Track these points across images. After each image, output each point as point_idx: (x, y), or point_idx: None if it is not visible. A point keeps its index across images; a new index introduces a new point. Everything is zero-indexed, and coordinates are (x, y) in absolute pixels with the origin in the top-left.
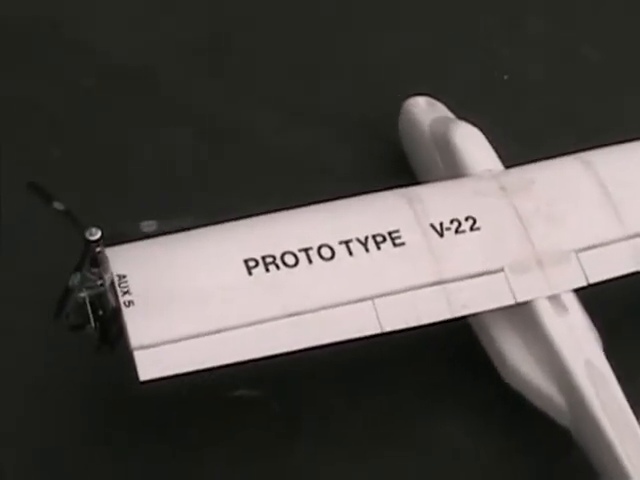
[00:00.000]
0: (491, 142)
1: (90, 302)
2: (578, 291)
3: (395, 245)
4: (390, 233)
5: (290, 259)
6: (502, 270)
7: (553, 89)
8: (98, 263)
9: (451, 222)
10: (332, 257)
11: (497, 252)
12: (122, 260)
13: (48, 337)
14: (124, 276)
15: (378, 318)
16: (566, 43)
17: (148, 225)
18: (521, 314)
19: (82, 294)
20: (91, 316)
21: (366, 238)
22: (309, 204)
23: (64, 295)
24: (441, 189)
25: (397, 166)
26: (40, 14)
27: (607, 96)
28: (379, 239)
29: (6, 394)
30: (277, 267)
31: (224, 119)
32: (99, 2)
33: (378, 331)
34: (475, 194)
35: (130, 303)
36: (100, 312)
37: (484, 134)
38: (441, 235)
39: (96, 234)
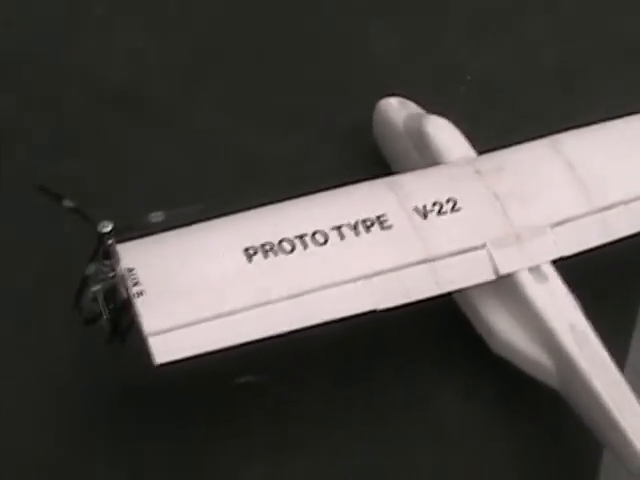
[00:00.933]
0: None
1: (103, 296)
2: (555, 264)
3: (383, 228)
4: (378, 217)
5: (287, 246)
6: (484, 246)
7: (517, 87)
8: (110, 255)
9: (433, 204)
10: (325, 242)
11: (478, 230)
12: (130, 255)
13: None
14: (132, 269)
15: (371, 296)
16: (526, 44)
17: (156, 216)
18: (505, 286)
19: (95, 288)
20: (104, 309)
21: (356, 223)
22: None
23: (82, 284)
24: (420, 175)
25: (375, 164)
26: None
27: (570, 92)
28: (368, 223)
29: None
30: (275, 254)
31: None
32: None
33: (372, 308)
34: (453, 178)
35: (140, 294)
36: (112, 305)
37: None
38: (425, 217)
39: (108, 226)
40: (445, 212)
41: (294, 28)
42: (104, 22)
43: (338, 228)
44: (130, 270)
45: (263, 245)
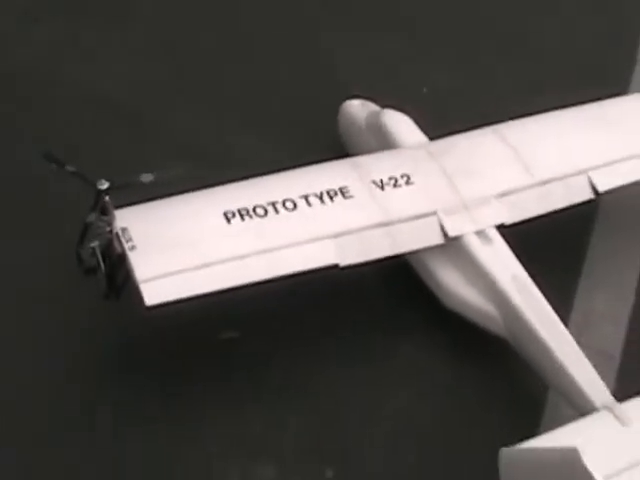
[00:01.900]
0: None
1: (100, 251)
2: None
3: (345, 197)
4: (341, 189)
5: (260, 210)
6: (435, 213)
7: (468, 96)
8: (107, 211)
9: (389, 179)
10: (295, 208)
11: (430, 200)
12: (124, 217)
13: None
14: (126, 228)
15: (335, 253)
16: (472, 56)
17: (147, 176)
18: (454, 248)
19: (93, 244)
20: (101, 262)
21: (321, 193)
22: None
23: (83, 229)
24: (379, 156)
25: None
26: None
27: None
28: (332, 193)
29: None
30: (250, 217)
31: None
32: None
33: (337, 262)
34: (407, 158)
35: (133, 248)
36: (108, 260)
37: None
38: (382, 189)
39: (105, 184)
40: (400, 185)
41: (265, 40)
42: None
43: (305, 197)
44: (123, 229)
45: (240, 210)
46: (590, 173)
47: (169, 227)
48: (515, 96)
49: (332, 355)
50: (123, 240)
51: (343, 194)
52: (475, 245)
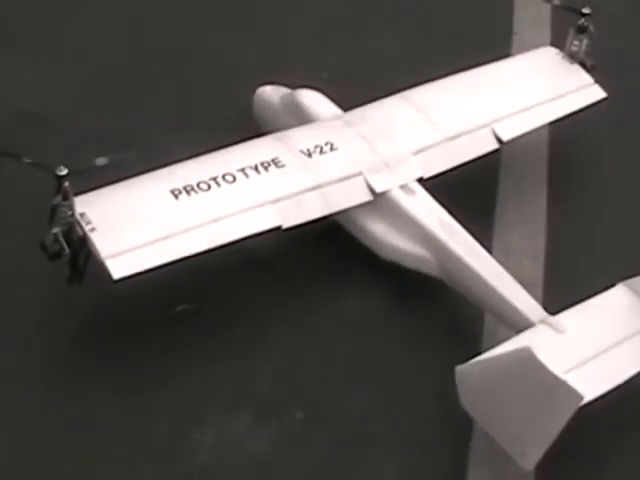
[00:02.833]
0: None
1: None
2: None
3: (278, 167)
4: (272, 160)
5: (203, 186)
6: (361, 174)
7: (364, 75)
8: (68, 196)
9: (315, 147)
10: (234, 180)
11: (354, 162)
12: (81, 203)
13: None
14: (84, 213)
15: (277, 217)
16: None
17: (100, 160)
18: (382, 203)
19: (55, 230)
20: (65, 246)
21: (256, 165)
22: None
23: (51, 212)
24: (302, 129)
25: None
26: None
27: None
28: (265, 164)
29: None
30: (195, 192)
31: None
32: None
33: (280, 224)
34: (327, 129)
35: (93, 230)
36: (70, 245)
37: None
38: (310, 156)
39: (64, 170)
40: (325, 152)
41: (177, 44)
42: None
43: (242, 170)
44: (82, 214)
45: (185, 187)
46: (493, 125)
47: (123, 208)
48: (406, 68)
49: (285, 311)
50: (83, 223)
51: (276, 164)
52: (401, 197)
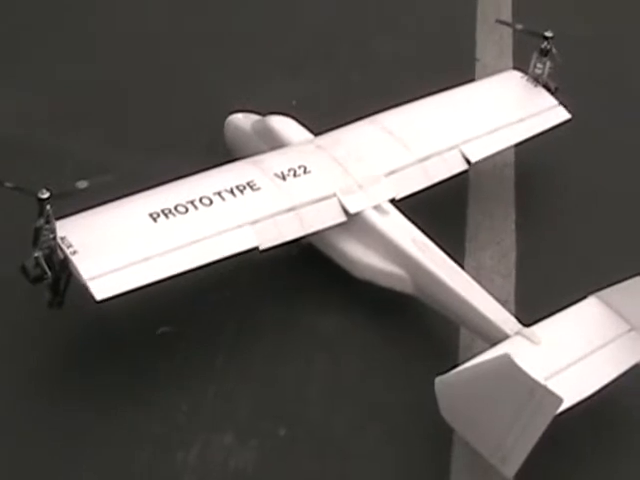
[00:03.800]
0: None
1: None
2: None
3: (253, 190)
4: (248, 183)
5: (181, 209)
6: (335, 195)
7: (331, 102)
8: (50, 219)
9: (289, 170)
10: (211, 203)
11: (328, 184)
12: (61, 227)
13: None
14: (64, 237)
15: (254, 238)
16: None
17: (81, 184)
18: (356, 224)
19: (37, 254)
20: (47, 269)
21: (232, 188)
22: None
23: (35, 234)
24: (275, 154)
25: None
26: None
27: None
28: (241, 187)
29: None
30: (173, 215)
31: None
32: None
33: (255, 245)
34: (300, 152)
35: (74, 252)
36: (51, 269)
37: None
38: (284, 179)
39: (46, 193)
40: (299, 175)
41: (151, 74)
42: None
43: (219, 193)
44: (62, 238)
45: (163, 210)
46: (462, 147)
47: (104, 231)
48: (373, 94)
49: (265, 330)
50: (64, 247)
51: (251, 187)
52: (375, 217)
